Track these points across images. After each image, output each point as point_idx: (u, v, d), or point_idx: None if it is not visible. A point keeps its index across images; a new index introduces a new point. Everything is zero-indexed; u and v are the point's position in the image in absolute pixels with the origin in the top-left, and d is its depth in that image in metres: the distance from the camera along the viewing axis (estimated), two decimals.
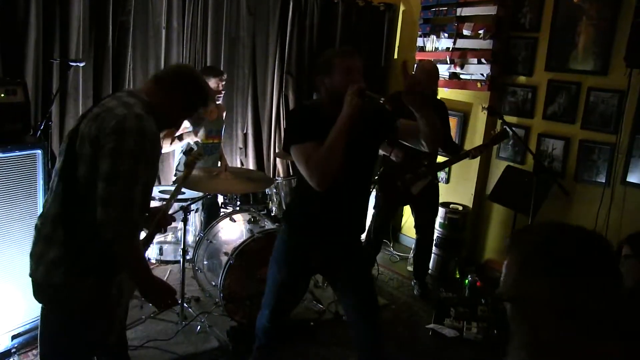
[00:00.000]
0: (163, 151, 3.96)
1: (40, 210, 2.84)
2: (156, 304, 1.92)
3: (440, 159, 3.95)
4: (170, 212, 3.62)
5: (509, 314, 1.02)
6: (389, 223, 4.43)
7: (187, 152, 3.81)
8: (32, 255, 1.82)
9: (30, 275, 1.82)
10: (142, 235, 2.02)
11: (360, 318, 2.40)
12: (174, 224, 4.10)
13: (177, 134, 3.84)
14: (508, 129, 3.66)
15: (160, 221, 2.05)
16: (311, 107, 2.48)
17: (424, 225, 4.13)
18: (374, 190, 3.89)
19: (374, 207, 4.01)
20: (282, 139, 2.29)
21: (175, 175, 4.08)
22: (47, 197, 1.85)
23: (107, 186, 1.64)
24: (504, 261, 1.03)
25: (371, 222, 4.03)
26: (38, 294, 1.83)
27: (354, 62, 2.18)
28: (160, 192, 3.63)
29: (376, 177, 3.85)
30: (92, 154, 1.68)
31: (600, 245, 0.96)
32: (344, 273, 2.40)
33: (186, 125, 3.86)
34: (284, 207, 3.85)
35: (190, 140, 3.80)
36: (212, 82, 3.83)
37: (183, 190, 3.81)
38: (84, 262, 1.75)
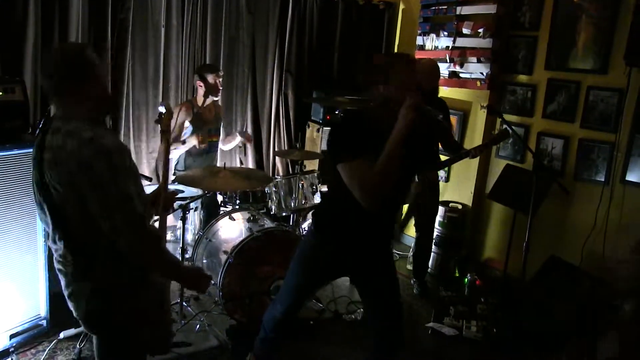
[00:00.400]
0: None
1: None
2: (197, 289, 1.98)
3: (442, 157, 3.94)
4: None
5: (631, 310, 0.99)
6: None
7: (158, 120, 3.73)
8: (69, 297, 1.79)
9: (77, 316, 1.80)
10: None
11: (381, 323, 2.43)
12: (173, 223, 4.11)
13: (182, 139, 3.85)
14: (509, 129, 3.66)
15: (164, 202, 2.03)
16: (359, 116, 2.38)
17: (424, 224, 4.13)
18: None
19: None
20: (330, 150, 2.18)
21: (174, 174, 4.08)
22: (49, 242, 1.80)
23: (110, 220, 1.60)
24: (627, 254, 0.99)
25: None
26: (90, 327, 1.82)
27: (415, 72, 2.14)
28: None
29: None
30: (74, 196, 1.63)
31: None
32: (372, 278, 2.41)
33: (186, 125, 3.86)
34: (284, 206, 3.84)
35: (194, 142, 3.82)
36: (210, 78, 3.84)
37: (182, 188, 3.81)
38: (114, 286, 1.74)
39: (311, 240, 2.41)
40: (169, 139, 2.19)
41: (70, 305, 1.80)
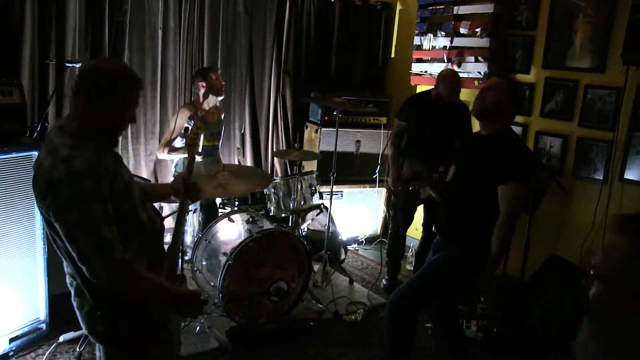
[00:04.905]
0: (161, 157, 3.95)
1: (38, 211, 2.84)
2: (190, 315, 1.89)
3: None
4: (167, 212, 3.60)
5: (599, 293, 1.00)
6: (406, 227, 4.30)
7: (184, 134, 3.77)
8: (78, 310, 1.77)
9: (85, 331, 1.80)
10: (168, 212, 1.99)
11: None
12: (172, 225, 4.09)
13: (178, 145, 3.83)
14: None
15: (190, 192, 2.01)
16: None
17: (430, 225, 4.12)
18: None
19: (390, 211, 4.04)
20: None
21: (173, 176, 4.07)
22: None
23: (73, 245, 1.55)
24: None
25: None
26: (95, 339, 1.82)
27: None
28: None
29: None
30: (46, 217, 1.61)
31: None
32: None
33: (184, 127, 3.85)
34: (283, 207, 3.84)
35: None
36: (212, 75, 3.85)
37: None
38: (114, 306, 1.70)
39: None
40: (194, 152, 2.18)
41: (81, 323, 1.78)
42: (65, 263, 1.73)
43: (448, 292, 2.67)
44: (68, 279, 1.77)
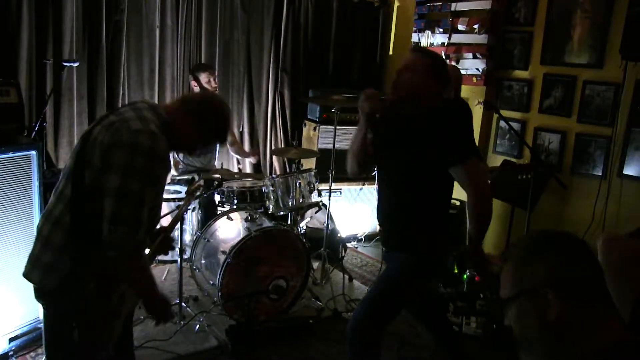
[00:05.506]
0: None
1: (36, 211, 2.84)
2: (157, 318, 1.90)
3: None
4: (166, 211, 3.62)
5: (514, 316, 1.12)
6: None
7: (190, 181, 3.82)
8: (30, 255, 1.78)
9: (24, 276, 1.78)
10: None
11: None
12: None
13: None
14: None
15: (162, 243, 2.02)
16: None
17: None
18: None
19: None
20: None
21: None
22: (52, 197, 1.79)
23: (115, 204, 1.59)
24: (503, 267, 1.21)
25: None
26: (36, 295, 1.81)
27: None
28: None
29: None
30: (101, 164, 1.63)
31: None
32: None
33: None
34: (281, 205, 3.84)
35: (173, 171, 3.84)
36: (203, 77, 3.84)
37: (179, 189, 3.80)
38: (85, 269, 1.71)
39: None
40: (190, 201, 2.27)
41: (25, 264, 1.77)
42: (55, 203, 1.73)
43: (407, 302, 2.41)
44: (41, 221, 1.77)
